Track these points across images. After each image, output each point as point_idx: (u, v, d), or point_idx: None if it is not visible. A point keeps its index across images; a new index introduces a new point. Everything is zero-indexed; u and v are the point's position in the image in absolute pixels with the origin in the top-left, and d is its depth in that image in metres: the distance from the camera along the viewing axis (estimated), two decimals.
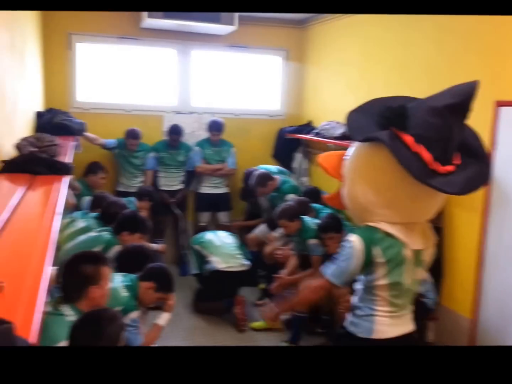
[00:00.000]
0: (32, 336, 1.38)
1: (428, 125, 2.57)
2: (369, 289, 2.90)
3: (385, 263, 2.80)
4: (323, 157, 3.21)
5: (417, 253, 2.88)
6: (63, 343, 2.62)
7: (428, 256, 3.00)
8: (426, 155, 2.54)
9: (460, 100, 2.56)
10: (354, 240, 2.82)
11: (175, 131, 6.86)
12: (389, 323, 2.90)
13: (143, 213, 5.46)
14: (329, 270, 2.91)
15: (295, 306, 3.54)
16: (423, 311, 4.25)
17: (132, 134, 6.67)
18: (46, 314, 2.71)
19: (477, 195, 4.17)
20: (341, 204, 3.08)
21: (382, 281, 2.84)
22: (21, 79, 4.57)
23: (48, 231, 2.23)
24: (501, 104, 4.17)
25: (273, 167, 7.06)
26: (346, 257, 2.84)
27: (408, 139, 2.57)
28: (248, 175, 6.71)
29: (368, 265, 2.83)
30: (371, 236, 2.80)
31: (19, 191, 2.81)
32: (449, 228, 4.78)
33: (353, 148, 2.94)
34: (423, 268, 3.03)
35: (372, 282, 2.86)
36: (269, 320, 3.32)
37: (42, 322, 1.52)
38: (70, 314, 2.86)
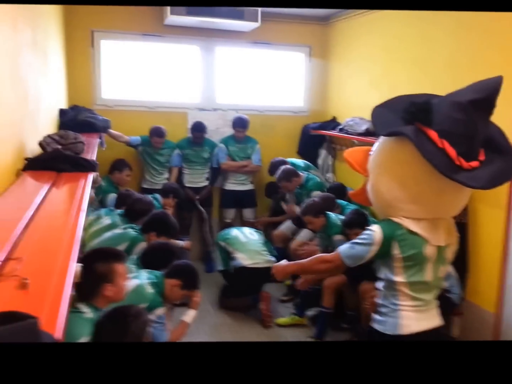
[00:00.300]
0: (57, 332, 1.39)
1: (453, 121, 2.56)
2: (391, 285, 2.89)
3: (403, 260, 2.80)
4: (349, 153, 3.22)
5: (440, 249, 2.86)
6: (83, 340, 2.62)
7: (451, 253, 2.98)
8: (451, 150, 2.53)
9: (484, 95, 2.54)
10: (375, 230, 2.83)
11: (198, 128, 6.85)
12: (415, 317, 2.88)
13: (169, 210, 5.48)
14: (345, 250, 2.94)
15: (303, 271, 3.58)
16: (448, 306, 4.22)
17: (157, 132, 6.68)
18: None
19: (501, 191, 4.15)
20: (367, 200, 3.08)
21: (402, 278, 2.83)
22: (44, 76, 4.58)
23: (73, 228, 2.24)
24: None
25: (300, 161, 7.07)
26: (364, 243, 2.85)
27: (433, 134, 2.56)
28: (274, 164, 6.72)
29: (384, 257, 2.84)
30: (392, 231, 2.80)
31: (44, 188, 2.83)
32: (474, 224, 4.74)
33: (378, 143, 2.93)
34: (446, 265, 3.02)
35: (392, 277, 2.85)
36: (277, 274, 3.33)
37: None
38: (87, 312, 2.82)
